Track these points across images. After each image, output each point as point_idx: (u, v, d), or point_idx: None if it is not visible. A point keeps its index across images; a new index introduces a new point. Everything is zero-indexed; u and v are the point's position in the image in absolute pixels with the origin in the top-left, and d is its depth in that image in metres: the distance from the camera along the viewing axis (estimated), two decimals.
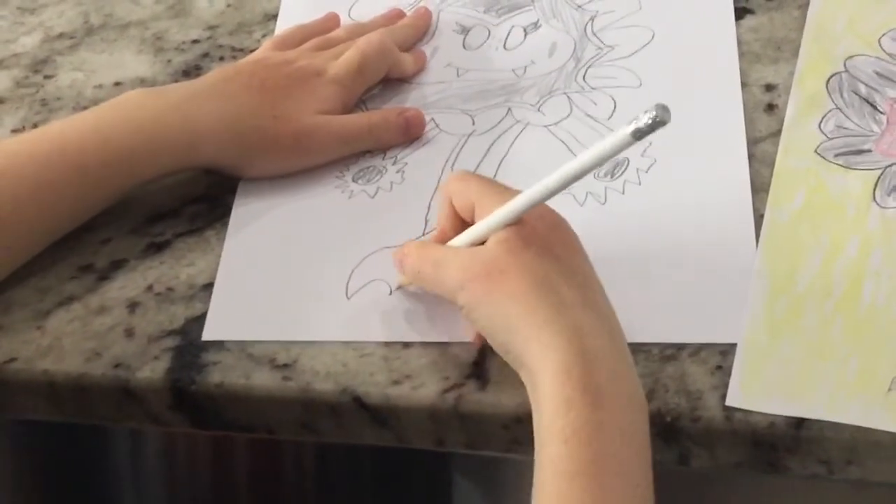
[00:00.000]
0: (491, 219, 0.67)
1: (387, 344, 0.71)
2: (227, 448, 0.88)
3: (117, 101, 0.77)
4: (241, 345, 0.72)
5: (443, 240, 0.71)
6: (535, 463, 0.62)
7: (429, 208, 0.78)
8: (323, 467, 0.89)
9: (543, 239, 0.66)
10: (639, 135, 0.61)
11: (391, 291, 0.73)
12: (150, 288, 0.75)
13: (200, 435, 0.81)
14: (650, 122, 0.60)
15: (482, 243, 0.67)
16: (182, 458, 0.92)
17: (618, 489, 0.60)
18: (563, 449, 0.60)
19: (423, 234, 0.77)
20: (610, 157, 0.64)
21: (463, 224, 0.70)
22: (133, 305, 0.74)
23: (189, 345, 0.72)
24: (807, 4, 0.86)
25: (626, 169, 0.79)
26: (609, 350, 0.63)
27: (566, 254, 0.67)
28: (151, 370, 0.71)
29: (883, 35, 0.83)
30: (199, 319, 0.73)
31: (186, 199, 0.79)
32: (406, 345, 0.71)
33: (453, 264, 0.67)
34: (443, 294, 0.69)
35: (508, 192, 0.68)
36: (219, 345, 0.72)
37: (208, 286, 0.75)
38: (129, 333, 0.73)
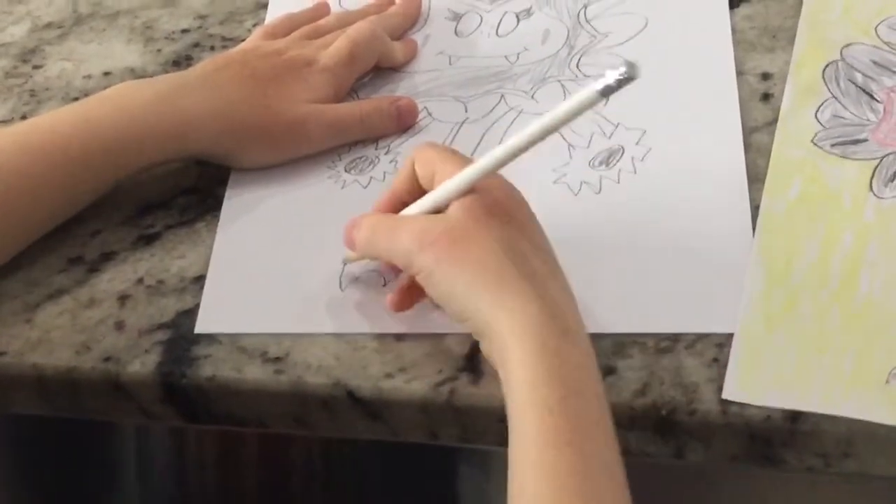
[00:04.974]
0: (448, 184, 0.67)
1: (379, 337, 0.71)
2: (235, 443, 0.88)
3: (107, 92, 0.77)
4: (233, 338, 0.71)
5: (395, 206, 0.70)
6: (510, 431, 0.61)
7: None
8: (331, 462, 0.89)
9: (507, 209, 0.66)
10: (607, 91, 0.61)
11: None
12: (140, 281, 0.74)
13: (208, 430, 0.81)
14: (620, 78, 0.60)
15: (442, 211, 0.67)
16: (190, 454, 0.92)
17: (603, 454, 0.60)
18: (549, 419, 0.60)
19: None
20: (576, 116, 0.63)
21: (420, 191, 0.69)
22: (123, 298, 0.74)
23: (180, 338, 0.71)
24: None
25: (621, 157, 0.79)
26: (576, 323, 0.63)
27: (530, 226, 0.67)
28: (142, 364, 0.71)
29: (879, 23, 0.82)
30: (190, 312, 0.72)
31: (177, 190, 0.79)
32: (399, 337, 0.70)
33: (410, 228, 0.66)
34: (396, 260, 0.68)
35: (469, 161, 0.67)
36: (210, 338, 0.71)
37: (199, 279, 0.74)
38: (120, 327, 0.72)
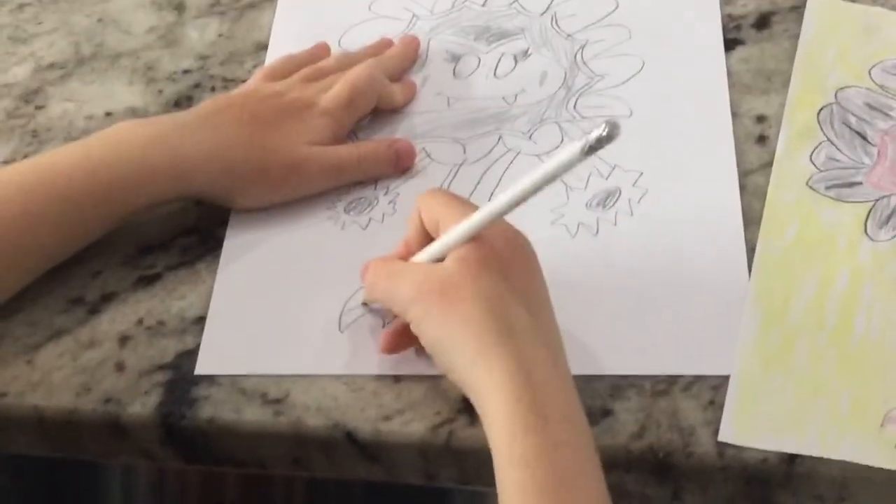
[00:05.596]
0: (450, 234, 0.68)
1: (378, 378, 0.71)
2: (217, 482, 0.88)
3: (107, 132, 0.77)
4: (233, 379, 0.72)
5: (407, 253, 0.72)
6: (497, 482, 0.62)
7: None
8: (314, 500, 0.89)
9: (502, 260, 0.67)
10: (589, 151, 0.62)
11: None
12: (140, 321, 0.75)
13: (191, 469, 0.81)
14: (600, 137, 0.62)
15: (443, 259, 0.68)
16: (173, 492, 0.92)
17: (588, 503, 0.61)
18: (528, 473, 0.61)
19: None
20: (563, 173, 0.65)
21: (429, 239, 0.71)
22: (124, 339, 0.74)
23: (180, 379, 0.72)
24: (797, 35, 0.86)
25: (618, 199, 0.79)
26: (554, 377, 0.64)
27: (524, 277, 0.68)
28: (142, 405, 0.71)
29: (873, 66, 0.83)
30: (191, 353, 0.73)
31: (177, 231, 0.79)
32: (397, 379, 0.71)
33: (408, 277, 0.68)
34: (395, 308, 0.69)
35: (471, 207, 0.69)
36: (210, 379, 0.72)
37: (199, 320, 0.75)
38: (120, 368, 0.73)
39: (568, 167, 0.64)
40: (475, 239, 0.67)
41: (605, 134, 0.61)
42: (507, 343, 0.64)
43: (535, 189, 0.66)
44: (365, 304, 0.74)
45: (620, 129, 0.62)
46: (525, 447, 0.61)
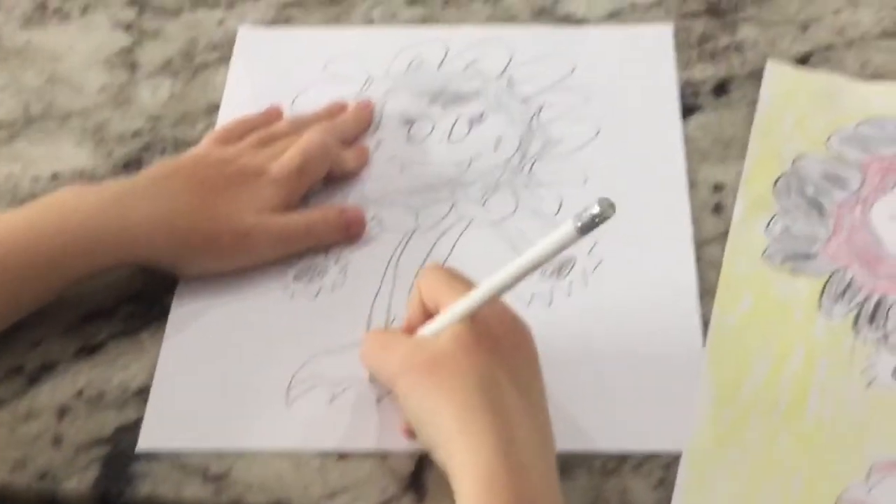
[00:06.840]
0: (448, 313, 0.67)
1: (323, 455, 0.69)
2: None
3: (52, 199, 0.75)
4: (173, 455, 0.70)
5: (408, 331, 0.70)
6: None
7: (371, 308, 0.77)
8: None
9: (497, 340, 0.66)
10: (583, 230, 0.61)
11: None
12: (80, 393, 0.73)
13: None
14: (593, 216, 0.61)
15: None
16: None
17: None
18: None
19: None
20: (558, 252, 0.64)
21: (431, 317, 0.69)
22: (62, 411, 0.72)
23: (119, 454, 0.70)
24: (755, 102, 0.85)
25: (572, 269, 0.78)
26: (537, 463, 0.62)
27: (517, 359, 0.66)
28: (79, 481, 0.69)
29: (831, 135, 0.82)
30: (131, 427, 0.71)
31: (122, 297, 0.77)
32: (342, 456, 0.69)
33: (399, 350, 0.67)
34: (385, 380, 0.68)
35: (471, 286, 0.68)
36: (149, 455, 0.70)
37: (141, 391, 0.73)
38: (57, 441, 0.71)
39: (562, 247, 0.63)
40: (472, 318, 0.66)
41: (598, 212, 0.60)
42: (490, 420, 0.62)
43: (530, 269, 0.65)
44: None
45: (615, 207, 0.61)
46: None
